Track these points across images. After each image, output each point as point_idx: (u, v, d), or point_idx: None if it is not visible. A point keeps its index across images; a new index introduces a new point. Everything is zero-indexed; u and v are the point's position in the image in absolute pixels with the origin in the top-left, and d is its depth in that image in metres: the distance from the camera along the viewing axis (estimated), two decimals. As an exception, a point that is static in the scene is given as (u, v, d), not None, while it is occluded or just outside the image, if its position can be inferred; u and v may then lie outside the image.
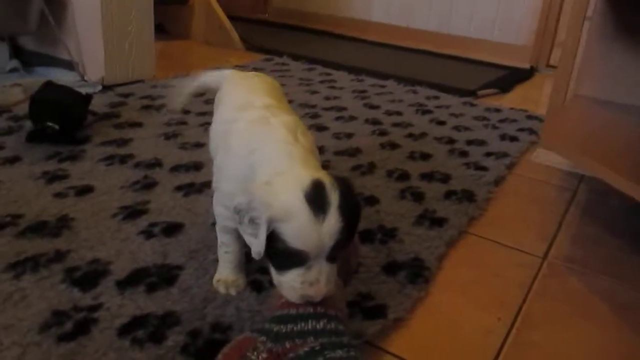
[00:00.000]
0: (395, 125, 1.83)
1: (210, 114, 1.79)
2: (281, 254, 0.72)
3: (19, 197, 1.17)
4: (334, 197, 0.71)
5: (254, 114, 0.87)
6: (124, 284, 0.91)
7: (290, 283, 0.72)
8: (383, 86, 2.35)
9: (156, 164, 1.39)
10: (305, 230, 0.69)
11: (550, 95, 1.61)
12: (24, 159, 1.35)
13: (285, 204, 0.70)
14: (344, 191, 0.73)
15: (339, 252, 0.74)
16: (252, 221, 0.71)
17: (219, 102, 1.04)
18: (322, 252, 0.71)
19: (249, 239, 0.73)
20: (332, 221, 0.70)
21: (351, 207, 0.74)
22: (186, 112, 1.80)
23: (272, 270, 0.76)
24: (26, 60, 2.18)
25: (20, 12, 1.89)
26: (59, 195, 1.19)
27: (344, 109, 1.98)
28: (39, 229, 1.05)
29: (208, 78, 1.16)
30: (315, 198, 0.70)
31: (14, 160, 1.35)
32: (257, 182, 0.75)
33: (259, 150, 0.80)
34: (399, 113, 1.97)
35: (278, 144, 0.80)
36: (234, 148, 0.84)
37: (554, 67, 2.90)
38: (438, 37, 3.43)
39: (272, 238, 0.71)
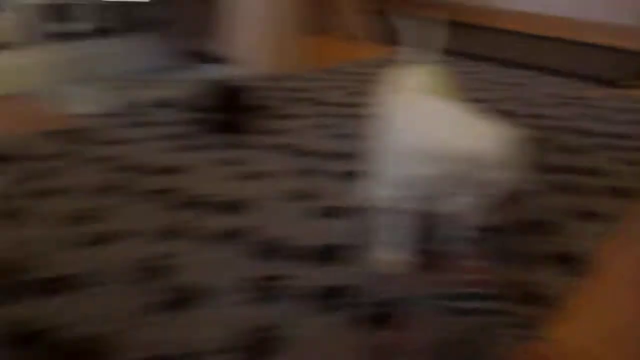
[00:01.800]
0: (535, 117, 1.83)
1: (355, 105, 1.92)
2: None
3: (204, 180, 1.37)
4: None
5: (402, 96, 0.99)
6: (302, 258, 1.06)
7: None
8: (517, 77, 2.32)
9: (314, 152, 1.54)
10: None
11: None
12: (203, 147, 1.57)
13: None
14: None
15: None
16: None
17: None
18: None
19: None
20: None
21: None
22: (338, 104, 1.94)
23: None
24: (190, 57, 2.44)
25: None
26: (237, 178, 1.38)
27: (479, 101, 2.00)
28: (228, 208, 1.24)
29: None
30: None
31: (194, 148, 1.56)
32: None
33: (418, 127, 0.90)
34: (539, 105, 1.96)
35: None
36: (387, 128, 0.96)
37: None
38: (577, 24, 3.27)
39: None
